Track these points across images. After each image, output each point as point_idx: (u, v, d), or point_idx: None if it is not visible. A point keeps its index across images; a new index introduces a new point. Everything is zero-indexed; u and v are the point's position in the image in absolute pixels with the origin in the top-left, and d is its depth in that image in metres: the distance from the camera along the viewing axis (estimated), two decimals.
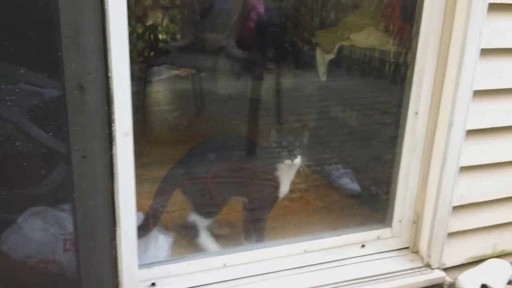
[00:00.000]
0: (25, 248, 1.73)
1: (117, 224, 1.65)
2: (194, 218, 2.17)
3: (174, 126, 3.70)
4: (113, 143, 1.56)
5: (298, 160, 2.06)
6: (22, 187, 1.66)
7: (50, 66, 1.50)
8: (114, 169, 1.59)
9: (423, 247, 2.16)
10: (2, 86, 1.54)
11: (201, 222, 2.17)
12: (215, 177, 2.14)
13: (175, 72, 4.38)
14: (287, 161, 2.05)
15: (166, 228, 2.21)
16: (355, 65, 2.98)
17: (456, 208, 2.09)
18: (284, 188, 2.15)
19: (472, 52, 1.87)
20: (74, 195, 1.58)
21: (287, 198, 2.65)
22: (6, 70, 1.52)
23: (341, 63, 3.02)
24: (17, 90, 1.53)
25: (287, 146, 2.05)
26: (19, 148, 1.58)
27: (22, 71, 1.52)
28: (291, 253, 2.06)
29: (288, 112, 3.58)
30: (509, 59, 1.98)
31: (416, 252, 2.20)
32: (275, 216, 2.47)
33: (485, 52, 1.90)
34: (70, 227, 1.72)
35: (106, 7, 1.44)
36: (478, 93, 1.94)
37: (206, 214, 2.17)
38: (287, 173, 2.12)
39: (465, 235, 2.18)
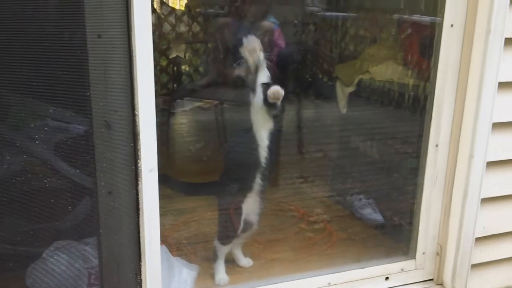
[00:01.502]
0: (50, 283, 1.76)
1: (142, 259, 1.68)
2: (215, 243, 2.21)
3: (197, 157, 3.74)
4: (139, 179, 1.60)
5: (261, 57, 2.00)
6: (48, 222, 1.70)
7: (78, 104, 1.55)
8: (140, 205, 1.63)
9: (447, 279, 2.14)
10: (32, 124, 1.61)
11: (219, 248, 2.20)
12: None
13: (197, 103, 4.45)
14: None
15: (190, 261, 2.24)
16: (375, 96, 3.00)
17: (479, 240, 2.08)
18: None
19: (490, 85, 1.89)
20: (100, 230, 1.62)
21: (310, 229, 2.68)
22: (35, 108, 1.58)
23: (361, 94, 3.05)
24: (46, 127, 1.59)
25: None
26: (46, 184, 1.63)
27: (51, 110, 1.58)
28: (315, 286, 2.06)
29: (310, 142, 3.61)
30: None
31: (441, 284, 2.18)
32: (299, 247, 2.49)
33: (503, 85, 1.91)
34: (95, 261, 1.75)
35: (133, 48, 1.49)
36: (497, 125, 1.95)
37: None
38: (255, 72, 2.04)
39: (489, 267, 2.16)
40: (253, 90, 2.04)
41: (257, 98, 2.03)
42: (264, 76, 2.05)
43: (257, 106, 2.04)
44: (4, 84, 1.50)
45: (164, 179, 1.73)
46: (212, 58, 3.73)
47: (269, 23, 2.49)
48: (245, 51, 2.01)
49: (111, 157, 1.56)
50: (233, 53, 2.02)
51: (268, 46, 2.09)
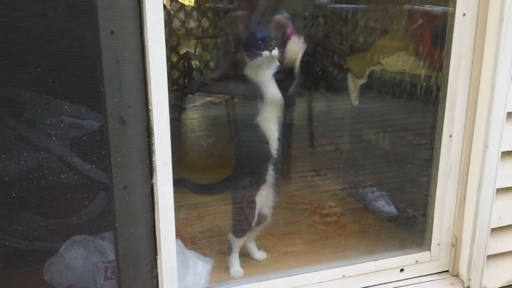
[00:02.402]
0: (67, 277, 1.78)
1: (158, 253, 1.69)
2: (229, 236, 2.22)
3: (209, 152, 3.76)
4: (154, 173, 1.62)
5: (276, 52, 1.98)
6: (65, 217, 1.72)
7: (93, 100, 1.57)
8: (155, 199, 1.64)
9: (463, 270, 2.14)
10: (47, 121, 1.63)
11: (234, 241, 2.21)
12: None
13: (209, 98, 4.47)
14: (265, 53, 1.98)
15: (205, 254, 2.25)
16: (387, 88, 2.99)
17: (495, 230, 2.07)
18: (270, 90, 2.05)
19: (504, 74, 1.87)
20: (116, 224, 1.64)
21: (323, 222, 2.68)
22: (51, 104, 1.60)
23: (373, 86, 3.04)
24: (61, 123, 1.61)
25: (263, 38, 2.00)
26: (63, 180, 1.65)
27: (66, 106, 1.59)
28: (329, 278, 2.06)
29: (321, 135, 3.61)
30: None
31: (456, 276, 2.17)
32: (312, 240, 2.49)
33: None
34: (111, 255, 1.77)
35: (146, 43, 1.50)
36: (511, 115, 1.94)
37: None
38: (267, 67, 2.04)
39: (505, 257, 2.15)
40: (265, 82, 2.04)
41: (269, 90, 2.04)
42: (276, 69, 2.06)
43: (268, 98, 2.05)
44: (20, 81, 1.52)
45: (179, 182, 1.74)
46: (224, 52, 3.73)
47: (283, 17, 2.48)
48: (289, 51, 1.99)
49: (126, 152, 1.58)
50: (249, 47, 2.03)
51: (282, 41, 2.08)
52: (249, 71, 2.04)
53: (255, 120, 2.06)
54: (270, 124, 2.07)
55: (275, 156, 2.09)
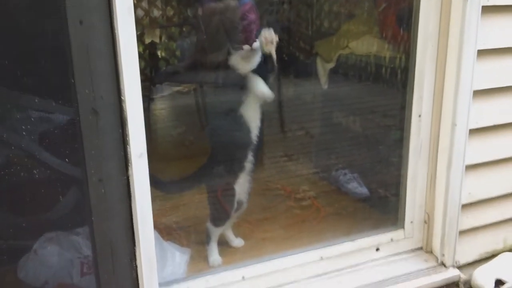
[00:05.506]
0: (42, 274, 1.76)
1: (136, 244, 1.68)
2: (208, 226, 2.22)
3: (179, 142, 3.73)
4: (129, 164, 1.60)
5: (256, 44, 2.00)
6: (39, 214, 1.69)
7: (64, 93, 1.54)
8: (131, 190, 1.62)
9: (436, 246, 2.19)
10: (18, 116, 1.59)
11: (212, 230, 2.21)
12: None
13: (176, 88, 4.43)
14: (246, 47, 2.00)
15: (182, 245, 2.24)
16: (355, 71, 3.02)
17: (465, 206, 2.13)
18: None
19: (469, 54, 1.92)
20: (92, 218, 1.61)
21: (298, 206, 2.70)
22: (20, 99, 1.56)
23: (342, 70, 3.06)
24: (31, 118, 1.58)
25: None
26: (36, 176, 1.62)
27: (36, 100, 1.56)
28: (308, 261, 2.09)
29: (292, 120, 3.63)
30: (505, 58, 2.03)
31: (430, 252, 2.22)
32: (288, 225, 2.51)
33: (482, 53, 1.94)
34: (86, 250, 1.76)
35: (116, 33, 1.48)
36: (478, 93, 1.99)
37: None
38: (250, 60, 2.05)
39: (476, 232, 2.21)
40: (249, 74, 2.05)
41: (253, 82, 2.04)
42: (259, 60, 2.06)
43: (252, 89, 2.05)
44: None
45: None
46: (196, 40, 3.69)
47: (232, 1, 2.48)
48: (263, 42, 1.99)
49: (100, 144, 1.55)
50: (230, 41, 2.02)
51: (237, 21, 2.08)
52: (233, 62, 2.05)
53: (238, 110, 2.07)
54: (254, 113, 2.08)
55: (255, 142, 2.10)
